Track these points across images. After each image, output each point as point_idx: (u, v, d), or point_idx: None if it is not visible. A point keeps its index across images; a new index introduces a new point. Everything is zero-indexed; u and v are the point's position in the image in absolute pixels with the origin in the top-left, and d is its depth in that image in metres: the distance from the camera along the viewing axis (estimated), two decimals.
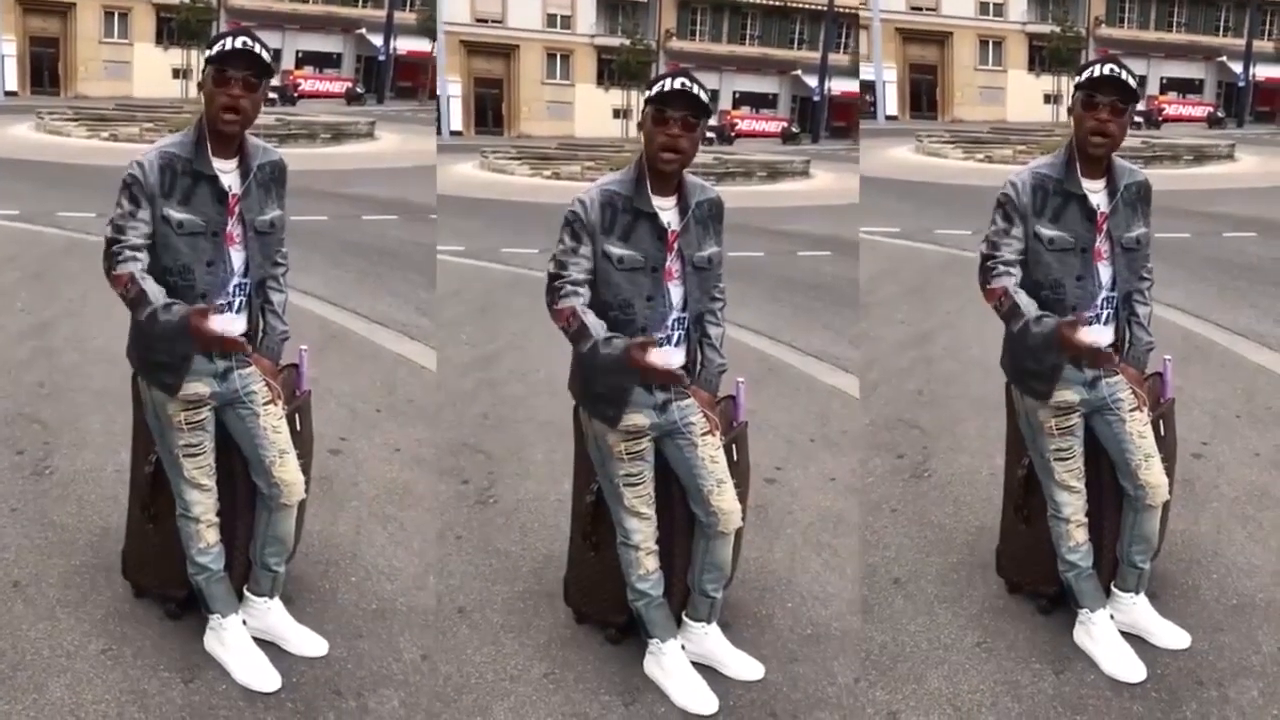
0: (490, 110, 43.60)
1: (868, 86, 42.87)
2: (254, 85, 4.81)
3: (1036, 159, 5.22)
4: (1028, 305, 4.96)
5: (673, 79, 4.80)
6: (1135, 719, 4.92)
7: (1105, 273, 5.12)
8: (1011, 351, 5.26)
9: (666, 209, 4.91)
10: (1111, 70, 4.96)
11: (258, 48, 4.80)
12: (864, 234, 14.99)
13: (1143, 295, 5.28)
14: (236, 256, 4.92)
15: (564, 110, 43.88)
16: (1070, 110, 5.10)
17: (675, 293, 4.94)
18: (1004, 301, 5.00)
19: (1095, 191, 5.07)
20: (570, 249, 4.83)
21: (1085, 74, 5.01)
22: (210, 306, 4.72)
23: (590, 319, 4.77)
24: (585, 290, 4.83)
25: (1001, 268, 5.04)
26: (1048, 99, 42.85)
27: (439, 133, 38.42)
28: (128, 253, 4.73)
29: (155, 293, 4.69)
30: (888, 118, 42.84)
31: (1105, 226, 5.08)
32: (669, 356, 4.94)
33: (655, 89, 4.83)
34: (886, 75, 43.46)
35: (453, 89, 42.27)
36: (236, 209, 4.89)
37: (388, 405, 8.20)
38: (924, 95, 44.12)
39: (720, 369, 5.15)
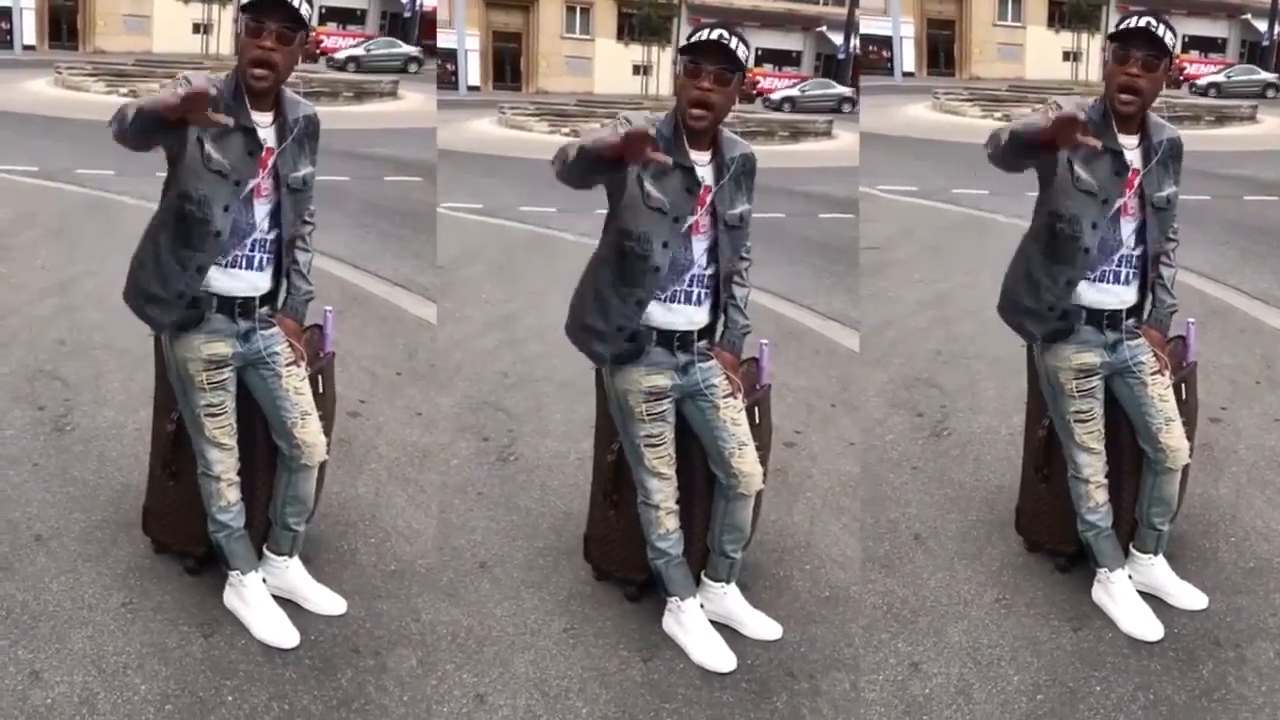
0: (509, 65, 43.42)
1: (883, 41, 42.57)
2: (288, 38, 4.70)
3: (1078, 99, 5.06)
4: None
5: (709, 30, 4.71)
6: (1153, 676, 4.95)
7: (1128, 229, 5.05)
8: (1009, 289, 5.20)
9: (702, 164, 4.86)
10: (1147, 23, 4.84)
11: None
12: (881, 192, 14.97)
13: (1168, 257, 5.21)
14: (260, 210, 4.88)
15: (583, 66, 43.66)
16: (1104, 64, 5.01)
17: (699, 247, 4.90)
18: (1004, 130, 4.81)
19: (1130, 148, 5.01)
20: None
21: (1119, 25, 4.91)
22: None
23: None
24: None
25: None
26: (1067, 56, 42.54)
27: (456, 87, 38.32)
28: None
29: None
30: (905, 74, 42.58)
31: (1138, 183, 5.02)
32: (691, 314, 4.93)
33: (690, 39, 4.74)
34: (904, 30, 43.18)
35: (470, 43, 42.07)
36: (270, 163, 4.84)
37: (409, 369, 8.20)
38: (941, 51, 43.83)
39: (744, 330, 5.12)
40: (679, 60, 4.77)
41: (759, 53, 43.66)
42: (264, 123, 4.82)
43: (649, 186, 4.76)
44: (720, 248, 4.92)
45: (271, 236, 4.95)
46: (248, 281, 4.93)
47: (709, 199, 4.87)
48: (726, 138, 4.93)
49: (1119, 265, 5.09)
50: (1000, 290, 5.26)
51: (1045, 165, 4.94)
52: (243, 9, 4.71)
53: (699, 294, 4.95)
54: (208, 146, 4.69)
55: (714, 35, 4.70)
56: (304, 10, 4.71)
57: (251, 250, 4.91)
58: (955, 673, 5.00)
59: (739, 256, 5.05)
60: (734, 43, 4.70)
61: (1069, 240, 4.99)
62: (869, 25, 42.26)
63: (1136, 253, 5.11)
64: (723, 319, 5.08)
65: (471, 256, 11.78)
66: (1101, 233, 4.99)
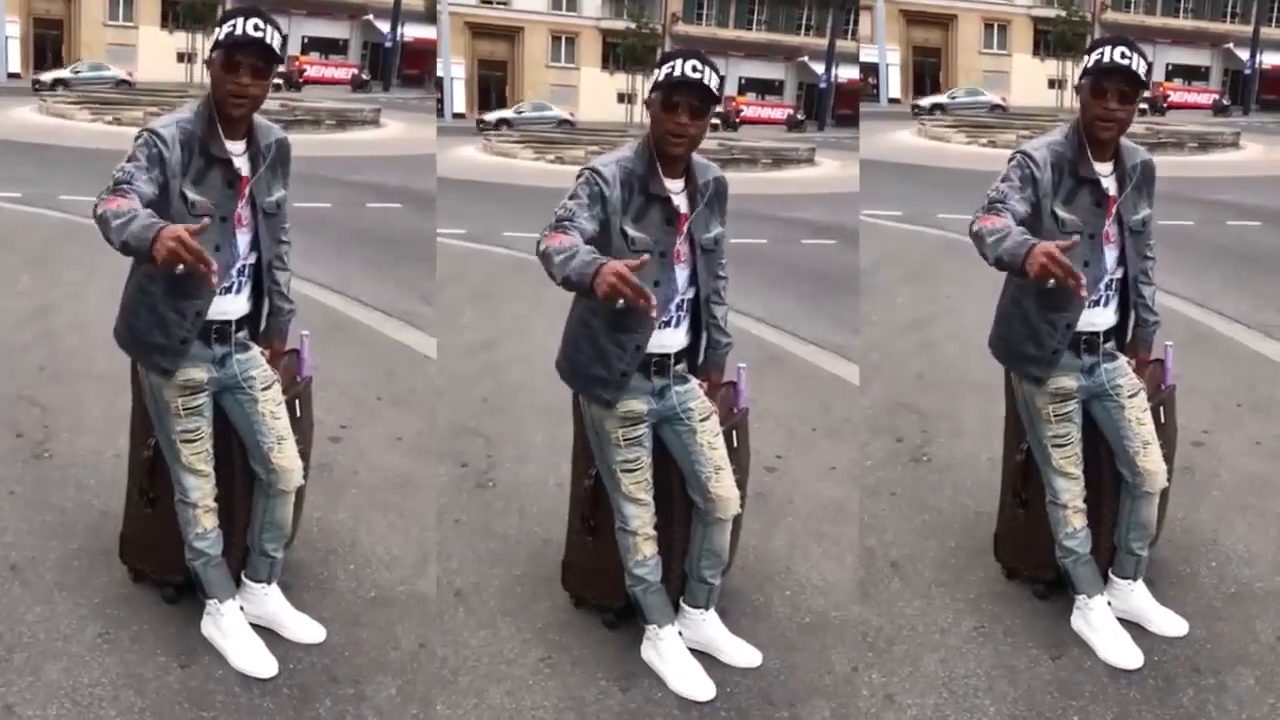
0: (494, 93, 43.49)
1: (870, 69, 42.71)
2: (263, 72, 4.74)
3: (1049, 133, 5.08)
4: (1015, 229, 4.58)
5: (683, 61, 4.70)
6: (1131, 705, 4.92)
7: (1111, 256, 5.08)
8: (1007, 335, 5.21)
9: (676, 192, 4.87)
10: (1122, 55, 4.85)
11: (269, 34, 4.70)
12: (865, 217, 14.97)
13: (1146, 276, 5.24)
14: (242, 239, 4.89)
15: (568, 94, 43.74)
16: (1077, 91, 5.02)
17: (681, 275, 4.92)
18: (995, 221, 4.62)
19: (1105, 176, 5.02)
20: (585, 204, 4.68)
21: (1094, 58, 4.90)
22: (199, 227, 4.29)
23: (583, 245, 4.45)
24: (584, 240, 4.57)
25: (1006, 211, 4.73)
26: (1052, 84, 42.72)
27: (440, 115, 38.37)
28: (134, 190, 4.46)
29: (144, 212, 4.33)
30: (890, 100, 42.71)
31: (1115, 210, 5.04)
32: (667, 338, 4.92)
33: (664, 72, 4.73)
34: (890, 58, 43.33)
35: (456, 70, 42.15)
36: (247, 191, 4.86)
37: (390, 394, 8.19)
38: (927, 78, 43.97)
39: (727, 347, 5.17)
40: (653, 94, 4.77)
41: (742, 82, 43.86)
42: (237, 151, 4.83)
43: (632, 232, 4.77)
44: (698, 272, 4.94)
45: (251, 261, 4.96)
46: (224, 307, 4.91)
47: (686, 226, 4.88)
48: (698, 163, 4.94)
49: (1101, 290, 5.10)
50: (996, 335, 5.27)
51: (1030, 223, 4.87)
52: (217, 44, 4.74)
53: (677, 318, 4.96)
54: (190, 195, 4.70)
55: (689, 69, 4.69)
56: (276, 44, 4.74)
57: (233, 278, 4.91)
58: (930, 703, 4.97)
59: (715, 276, 5.06)
60: (708, 77, 4.71)
61: (1063, 288, 4.95)
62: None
63: (1117, 276, 5.14)
64: (704, 340, 5.09)
65: (454, 282, 11.77)
66: (1090, 269, 4.99)
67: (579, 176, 4.80)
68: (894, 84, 43.44)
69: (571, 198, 4.71)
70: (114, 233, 4.27)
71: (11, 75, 39.93)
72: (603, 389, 4.92)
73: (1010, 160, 4.98)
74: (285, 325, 5.25)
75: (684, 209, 4.88)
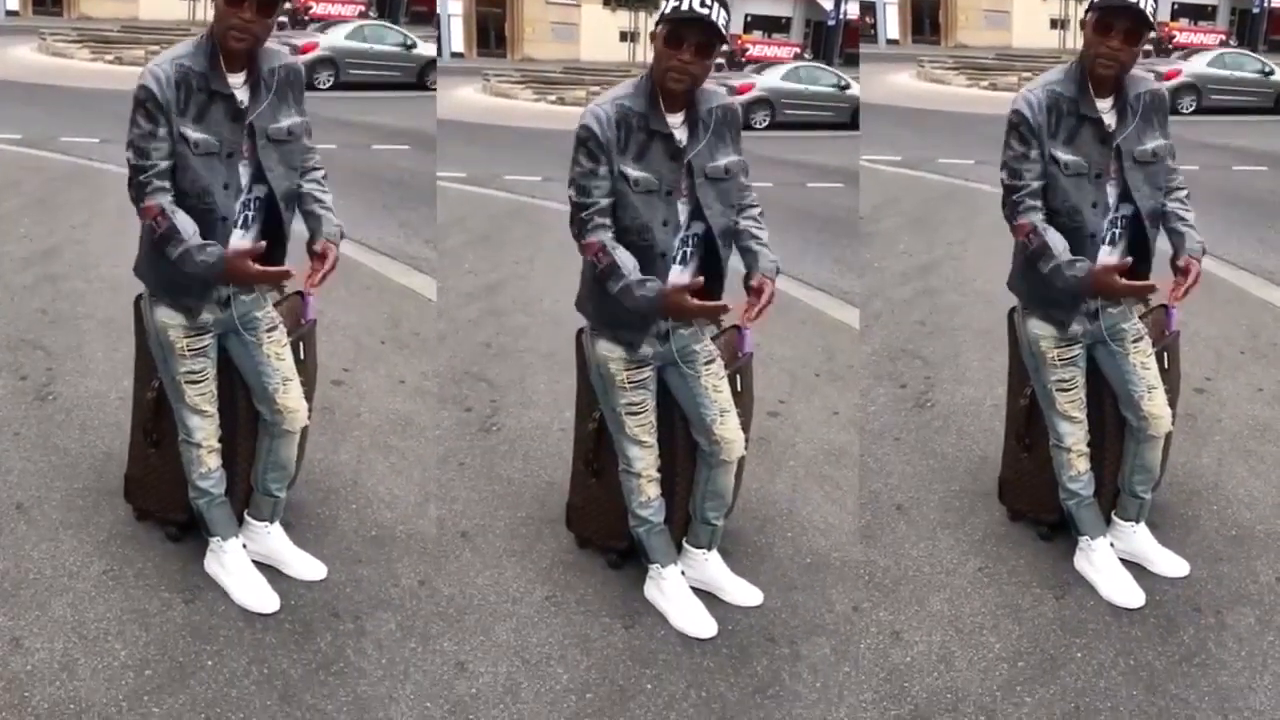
0: (493, 31, 43.20)
1: (867, 8, 42.40)
2: (268, 9, 4.66)
3: (1047, 72, 5.04)
4: (1058, 244, 4.85)
5: None
6: (1133, 643, 4.97)
7: (1112, 192, 5.00)
8: (1031, 279, 5.09)
9: (678, 125, 4.80)
10: None
11: None
12: (864, 162, 14.94)
13: (1182, 203, 5.12)
14: (244, 171, 4.81)
15: (569, 32, 43.46)
16: (1082, 26, 4.93)
17: (682, 211, 4.84)
18: (1032, 239, 4.88)
19: (1106, 111, 4.96)
20: (589, 170, 4.70)
21: None
22: (253, 249, 4.69)
23: (621, 255, 4.68)
24: (610, 219, 4.73)
25: (1028, 201, 4.90)
26: (1054, 24, 42.43)
27: (439, 54, 38.18)
28: (155, 182, 4.62)
29: (187, 229, 4.61)
30: (889, 41, 42.43)
31: (1115, 144, 4.96)
32: (674, 277, 4.83)
33: (670, 5, 4.63)
34: None
35: (454, 8, 41.85)
36: (247, 122, 4.78)
37: (393, 337, 8.19)
38: (927, 19, 43.65)
39: (774, 264, 4.96)
40: (659, 26, 4.69)
41: (748, 19, 43.53)
42: (238, 83, 4.77)
43: (632, 173, 4.74)
44: (706, 204, 4.85)
45: (260, 194, 4.87)
46: (232, 244, 4.79)
47: (686, 158, 4.82)
48: (702, 92, 4.83)
49: (1107, 228, 5.01)
50: (1018, 278, 5.23)
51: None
52: None
53: (683, 254, 4.88)
54: (191, 135, 4.67)
55: (697, 6, 4.61)
56: None
57: (238, 211, 4.83)
58: (937, 640, 5.02)
59: (741, 207, 4.98)
60: (716, 13, 4.62)
61: (1074, 232, 4.94)
62: None
63: (1122, 213, 5.03)
64: (756, 264, 4.95)
65: (456, 226, 11.75)
66: (1099, 209, 4.97)
67: (576, 134, 4.76)
68: (892, 24, 43.16)
69: (575, 165, 4.72)
70: (178, 260, 4.66)
71: (10, 13, 39.69)
72: (627, 330, 4.90)
73: (1008, 122, 4.97)
74: (335, 232, 5.03)
75: (684, 140, 4.81)
